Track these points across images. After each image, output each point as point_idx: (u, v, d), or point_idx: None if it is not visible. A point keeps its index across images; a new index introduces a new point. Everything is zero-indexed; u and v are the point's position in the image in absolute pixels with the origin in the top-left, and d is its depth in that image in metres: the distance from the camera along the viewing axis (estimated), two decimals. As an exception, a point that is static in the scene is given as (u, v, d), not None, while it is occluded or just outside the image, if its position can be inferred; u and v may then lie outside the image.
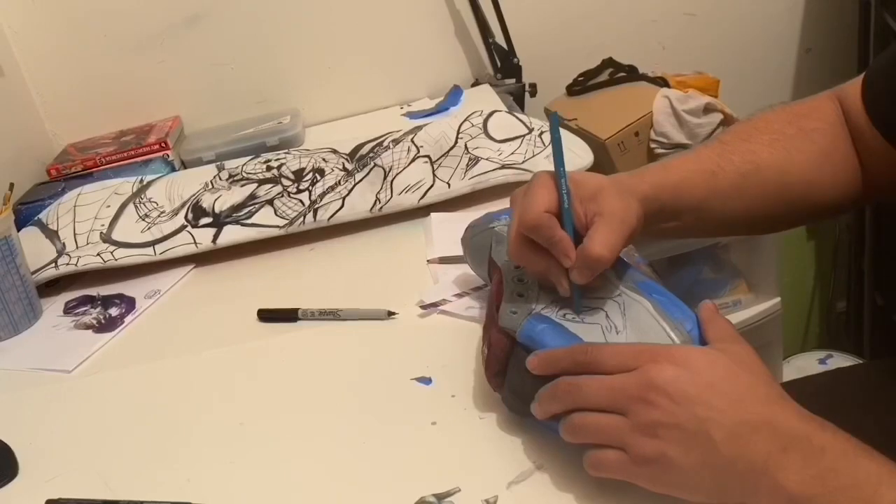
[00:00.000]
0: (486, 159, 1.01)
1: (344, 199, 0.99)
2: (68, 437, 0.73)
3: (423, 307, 0.79)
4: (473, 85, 1.45)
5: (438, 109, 1.35)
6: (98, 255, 0.99)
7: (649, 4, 1.51)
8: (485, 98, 1.34)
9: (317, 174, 1.04)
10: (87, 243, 1.02)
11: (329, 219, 0.98)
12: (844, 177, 0.70)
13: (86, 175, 1.25)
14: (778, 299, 1.46)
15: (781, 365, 1.62)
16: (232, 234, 0.99)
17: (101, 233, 1.03)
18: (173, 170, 1.23)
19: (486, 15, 1.41)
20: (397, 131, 1.09)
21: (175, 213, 1.03)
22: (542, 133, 1.05)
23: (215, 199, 1.03)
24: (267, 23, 1.39)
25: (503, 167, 0.99)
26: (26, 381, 0.83)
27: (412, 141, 1.05)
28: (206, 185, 1.07)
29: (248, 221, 1.00)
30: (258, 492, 0.61)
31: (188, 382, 0.78)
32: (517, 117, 1.09)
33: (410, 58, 1.45)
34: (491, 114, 1.09)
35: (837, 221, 1.75)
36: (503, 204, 0.95)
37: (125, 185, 1.10)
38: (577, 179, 0.60)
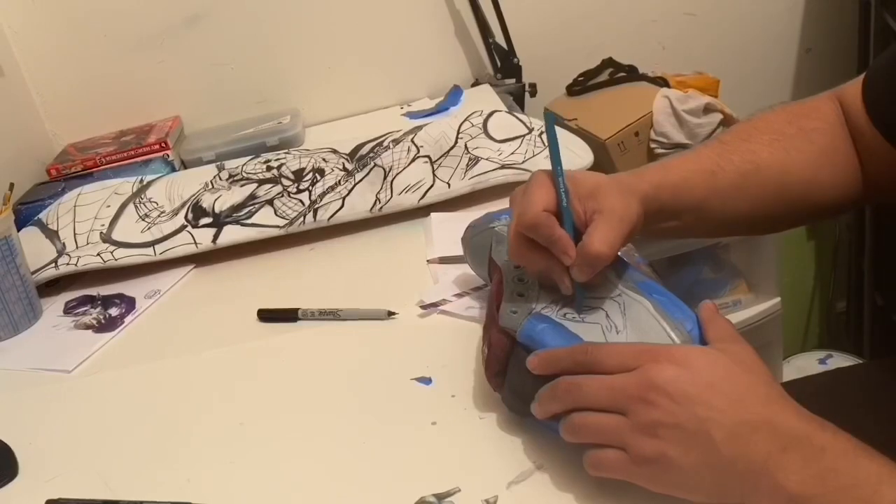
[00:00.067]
0: (486, 159, 1.01)
1: (344, 199, 0.99)
2: (68, 437, 0.73)
3: (423, 307, 0.79)
4: (473, 85, 1.45)
5: (438, 109, 1.35)
6: (98, 255, 0.99)
7: (649, 4, 1.51)
8: (485, 98, 1.34)
9: (317, 174, 1.04)
10: (87, 243, 1.02)
11: (329, 219, 0.98)
12: (844, 177, 0.70)
13: (86, 175, 1.25)
14: (778, 299, 1.46)
15: (781, 365, 1.62)
16: (232, 234, 0.99)
17: (101, 233, 1.03)
18: (173, 170, 1.23)
19: (486, 15, 1.41)
20: (397, 131, 1.10)
21: (175, 213, 1.03)
22: (541, 133, 1.05)
23: (215, 199, 1.03)
24: (267, 23, 1.39)
25: (503, 167, 0.99)
26: (26, 381, 0.83)
27: (412, 141, 1.05)
28: (206, 185, 1.07)
29: (248, 221, 1.00)
30: (258, 492, 0.61)
31: (188, 382, 0.78)
32: (517, 117, 1.09)
33: (410, 58, 1.45)
34: (491, 114, 1.09)
35: (837, 221, 1.75)
36: (503, 204, 0.95)
37: (125, 185, 1.10)
38: (575, 178, 0.60)
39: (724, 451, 0.48)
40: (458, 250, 0.79)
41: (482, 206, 0.96)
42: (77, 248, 1.01)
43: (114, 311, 0.93)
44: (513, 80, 1.41)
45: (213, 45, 1.39)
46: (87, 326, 0.91)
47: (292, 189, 1.02)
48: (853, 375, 0.90)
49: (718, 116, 1.30)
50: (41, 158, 1.33)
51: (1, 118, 1.28)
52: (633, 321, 0.58)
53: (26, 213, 1.11)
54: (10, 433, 0.72)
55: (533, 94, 1.41)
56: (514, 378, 0.59)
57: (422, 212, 0.98)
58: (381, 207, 0.98)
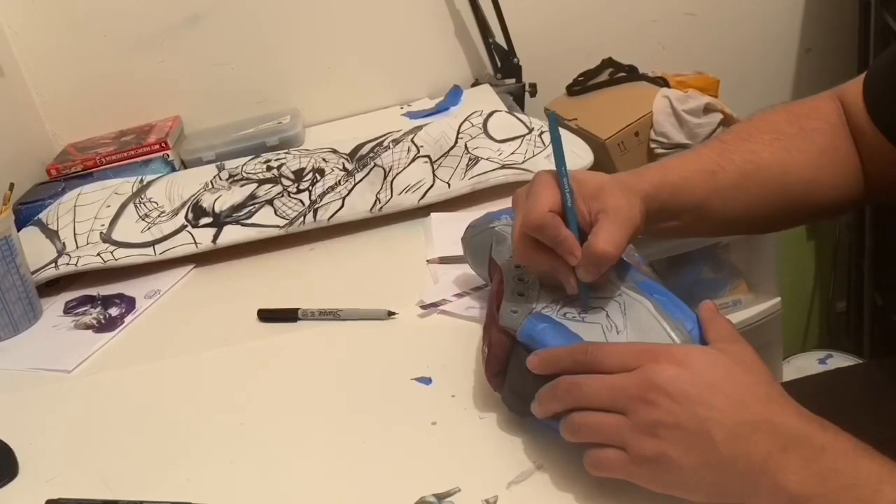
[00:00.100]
0: (486, 159, 1.01)
1: (344, 199, 0.99)
2: (68, 437, 0.73)
3: (423, 307, 0.79)
4: (473, 85, 1.45)
5: (438, 109, 1.35)
6: (98, 255, 0.99)
7: (649, 4, 1.51)
8: (485, 98, 1.34)
9: (317, 174, 1.04)
10: (87, 243, 1.02)
11: (329, 219, 0.98)
12: (845, 176, 0.70)
13: (86, 175, 1.25)
14: (778, 299, 1.46)
15: (781, 365, 1.62)
16: (232, 234, 0.99)
17: (101, 233, 1.03)
18: (173, 170, 1.23)
19: (486, 15, 1.41)
20: (397, 131, 1.10)
21: (175, 213, 1.03)
22: (542, 133, 1.05)
23: (215, 199, 1.03)
24: (267, 23, 1.39)
25: (503, 167, 0.99)
26: (26, 381, 0.83)
27: (412, 141, 1.05)
28: (206, 185, 1.07)
29: (248, 221, 1.00)
30: (258, 492, 0.61)
31: (188, 382, 0.78)
32: (517, 117, 1.09)
33: (410, 58, 1.45)
34: (491, 114, 1.09)
35: (837, 221, 1.75)
36: (503, 204, 0.95)
37: (125, 185, 1.10)
38: (578, 178, 0.60)
39: (724, 451, 0.48)
40: (458, 250, 0.79)
41: (482, 206, 0.96)
42: (77, 247, 1.01)
43: (114, 311, 0.93)
44: (513, 80, 1.41)
45: (213, 45, 1.39)
46: (87, 326, 0.91)
47: (292, 189, 1.02)
48: (853, 375, 0.90)
49: (718, 116, 1.30)
50: (41, 158, 1.33)
51: (1, 118, 1.28)
52: (633, 321, 0.58)
53: (26, 213, 1.11)
54: (10, 433, 0.72)
55: (533, 94, 1.41)
56: (515, 378, 0.59)
57: (422, 212, 0.98)
58: (381, 207, 0.98)
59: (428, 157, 1.03)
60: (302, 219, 0.98)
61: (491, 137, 1.05)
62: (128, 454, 0.69)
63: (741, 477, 0.47)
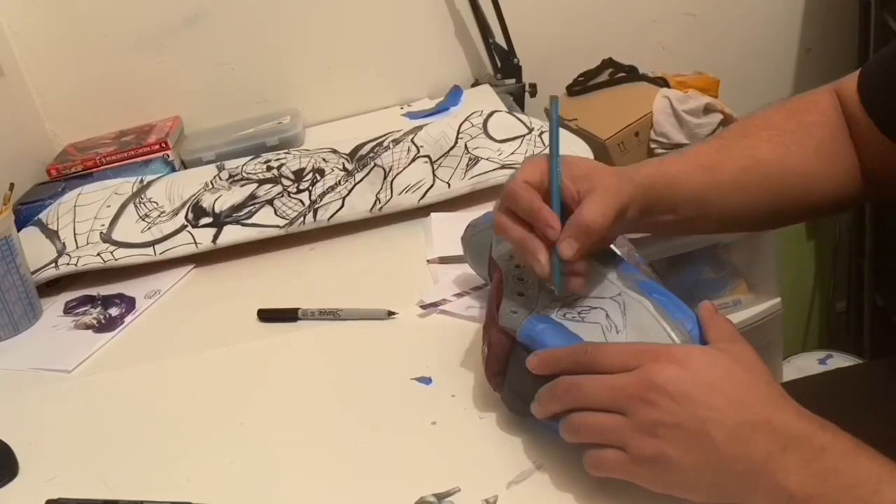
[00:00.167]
0: (486, 159, 1.01)
1: (344, 199, 0.99)
2: (68, 437, 0.73)
3: (423, 307, 0.79)
4: (473, 85, 1.45)
5: (438, 109, 1.35)
6: (98, 255, 0.99)
7: (649, 5, 1.51)
8: (485, 98, 1.34)
9: (317, 174, 1.04)
10: (87, 243, 1.02)
11: (329, 219, 0.98)
12: (843, 171, 0.71)
13: (86, 175, 1.25)
14: (778, 299, 1.46)
15: (781, 365, 1.62)
16: (232, 234, 0.99)
17: (102, 233, 1.03)
18: (173, 170, 1.23)
19: (486, 15, 1.41)
20: (397, 131, 1.10)
21: (175, 213, 1.03)
22: (542, 133, 1.05)
23: (215, 199, 1.03)
24: (267, 23, 1.39)
25: (503, 167, 0.99)
26: (26, 381, 0.83)
27: (412, 141, 1.05)
28: (207, 185, 1.07)
29: (248, 221, 1.00)
30: (258, 492, 0.61)
31: (188, 382, 0.78)
32: (517, 117, 1.09)
33: (410, 58, 1.45)
34: (491, 114, 1.09)
35: (837, 221, 1.75)
36: (503, 204, 0.95)
37: (125, 185, 1.10)
38: (569, 161, 0.61)
39: (723, 452, 0.48)
40: (458, 250, 0.79)
41: (482, 206, 0.96)
42: (77, 248, 1.01)
43: (114, 311, 0.93)
44: (513, 81, 1.41)
45: (214, 45, 1.39)
46: (87, 326, 0.91)
47: (292, 189, 1.02)
48: (853, 375, 0.90)
49: (718, 116, 1.30)
50: (41, 158, 1.33)
51: (1, 118, 1.28)
52: (633, 321, 0.57)
53: (26, 213, 1.11)
54: (10, 433, 0.72)
55: (533, 94, 1.41)
56: (514, 378, 0.59)
57: (422, 212, 0.98)
58: (381, 207, 0.98)
59: (428, 157, 1.03)
60: (302, 219, 0.98)
61: (491, 137, 1.05)
62: (128, 454, 0.69)
63: (741, 477, 0.47)
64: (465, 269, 0.81)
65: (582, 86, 1.41)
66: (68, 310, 0.95)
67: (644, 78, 1.37)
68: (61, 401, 0.79)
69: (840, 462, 0.46)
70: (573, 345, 0.56)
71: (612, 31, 1.51)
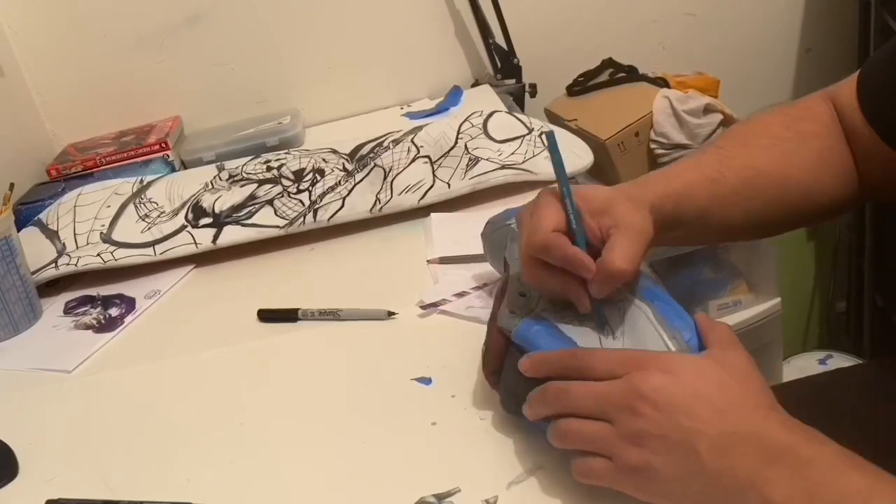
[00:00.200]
0: (486, 159, 1.01)
1: (344, 199, 0.99)
2: (68, 437, 0.73)
3: (423, 307, 0.79)
4: (473, 85, 1.45)
5: (438, 110, 1.35)
6: (98, 255, 0.99)
7: (649, 5, 1.51)
8: (485, 98, 1.34)
9: (317, 174, 1.04)
10: (87, 243, 1.02)
11: (329, 219, 0.98)
12: (842, 178, 0.70)
13: (86, 175, 1.25)
14: (778, 299, 1.46)
15: (781, 365, 1.62)
16: (232, 235, 0.99)
17: (101, 233, 1.03)
18: (173, 170, 1.23)
19: (486, 15, 1.41)
20: (397, 131, 1.09)
21: (175, 213, 1.03)
22: (541, 133, 1.05)
23: (215, 200, 1.03)
24: (267, 23, 1.39)
25: (503, 167, 0.99)
26: (26, 382, 0.83)
27: (412, 141, 1.05)
28: (207, 185, 1.07)
29: (248, 222, 1.00)
30: (258, 492, 0.61)
31: (188, 382, 0.78)
32: (517, 118, 1.09)
33: (410, 58, 1.45)
34: (491, 114, 1.09)
35: (837, 222, 1.75)
36: (503, 204, 0.95)
37: (125, 185, 1.10)
38: (583, 194, 0.59)
39: (708, 463, 0.47)
40: (458, 250, 0.79)
41: (482, 207, 0.96)
42: (77, 248, 1.01)
43: (114, 312, 0.93)
44: (513, 81, 1.41)
45: (214, 45, 1.39)
46: (87, 326, 0.91)
47: (292, 189, 1.02)
48: (853, 375, 0.90)
49: (718, 117, 1.30)
50: (41, 158, 1.33)
51: (1, 118, 1.28)
52: (631, 327, 0.57)
53: (26, 214, 1.11)
54: (10, 433, 0.72)
55: (533, 94, 1.41)
56: (509, 378, 0.59)
57: (422, 212, 0.98)
58: (381, 208, 0.98)
59: (428, 157, 1.03)
60: (302, 219, 0.98)
61: (491, 138, 1.05)
62: (128, 454, 0.69)
63: (727, 489, 0.47)
64: (465, 269, 0.81)
65: (582, 86, 1.41)
66: (68, 310, 0.95)
67: (644, 78, 1.37)
68: (61, 401, 0.79)
69: (828, 475, 0.45)
70: (566, 349, 0.55)
71: (612, 32, 1.51)
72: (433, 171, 1.01)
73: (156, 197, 1.07)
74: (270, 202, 1.01)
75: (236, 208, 1.01)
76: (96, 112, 1.40)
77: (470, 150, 1.03)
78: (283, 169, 1.06)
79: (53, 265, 0.99)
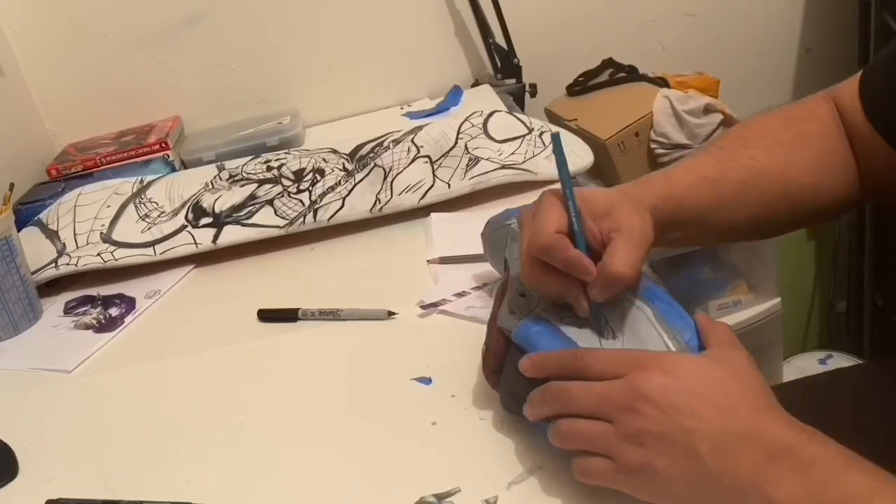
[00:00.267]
0: (487, 159, 1.01)
1: (344, 199, 0.99)
2: (68, 437, 0.73)
3: (423, 307, 0.79)
4: (473, 85, 1.45)
5: (438, 110, 1.35)
6: (98, 255, 0.99)
7: (649, 5, 1.51)
8: (485, 98, 1.34)
9: (317, 174, 1.04)
10: (88, 243, 1.02)
11: (329, 219, 0.98)
12: (843, 179, 0.70)
13: (86, 175, 1.25)
14: (778, 299, 1.46)
15: (781, 365, 1.62)
16: (232, 235, 0.99)
17: (102, 233, 1.03)
18: (173, 170, 1.23)
19: (486, 15, 1.41)
20: (397, 131, 1.09)
21: (175, 213, 1.03)
22: (542, 133, 1.05)
23: (215, 200, 1.03)
24: (267, 23, 1.39)
25: (503, 167, 0.99)
26: (26, 381, 0.83)
27: (412, 141, 1.05)
28: (207, 185, 1.07)
29: (249, 221, 1.00)
30: (258, 492, 0.61)
31: (188, 382, 0.78)
32: (517, 117, 1.09)
33: (410, 58, 1.45)
34: (491, 114, 1.09)
35: (837, 221, 1.75)
36: (503, 204, 0.95)
37: (125, 185, 1.10)
38: (586, 196, 0.59)
39: (709, 463, 0.47)
40: (458, 250, 0.79)
41: (482, 207, 0.96)
42: (77, 248, 1.01)
43: (114, 311, 0.93)
44: (513, 81, 1.41)
45: (214, 45, 1.39)
46: (88, 326, 0.91)
47: (292, 189, 1.02)
48: (853, 375, 0.90)
49: (718, 117, 1.30)
50: (41, 158, 1.33)
51: (1, 118, 1.28)
52: (631, 327, 0.57)
53: (26, 214, 1.11)
54: (10, 433, 0.72)
55: (533, 94, 1.41)
56: (509, 378, 0.59)
57: (422, 212, 0.98)
58: (381, 208, 0.98)
59: (428, 157, 1.03)
60: (302, 219, 0.98)
61: (491, 138, 1.05)
62: (128, 454, 0.69)
63: (728, 489, 0.47)
64: (465, 268, 0.81)
65: (582, 86, 1.41)
66: (68, 310, 0.95)
67: (644, 78, 1.37)
68: (61, 401, 0.79)
69: (829, 476, 0.45)
70: (563, 349, 0.55)
71: (612, 32, 1.51)
72: (433, 171, 1.01)
73: (156, 197, 1.07)
74: (270, 202, 1.01)
75: (236, 208, 1.01)
76: (96, 112, 1.40)
77: (470, 149, 1.03)
78: (284, 169, 1.06)
79: (53, 265, 0.99)
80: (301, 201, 1.00)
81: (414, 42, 1.44)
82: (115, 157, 1.26)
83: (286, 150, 1.14)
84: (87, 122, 1.39)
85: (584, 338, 0.57)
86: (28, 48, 1.35)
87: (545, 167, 0.98)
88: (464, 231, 0.86)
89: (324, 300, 0.83)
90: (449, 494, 0.55)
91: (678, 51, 1.54)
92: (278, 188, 1.03)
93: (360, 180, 1.01)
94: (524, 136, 1.05)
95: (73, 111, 1.40)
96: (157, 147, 1.26)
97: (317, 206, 0.99)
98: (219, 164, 1.12)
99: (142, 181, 1.10)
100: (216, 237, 0.99)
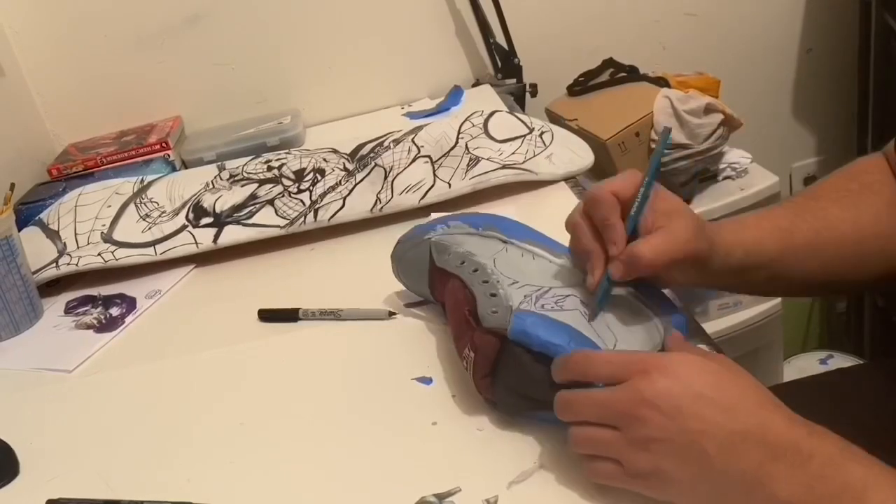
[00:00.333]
0: (487, 159, 1.01)
1: (344, 199, 0.99)
2: (68, 437, 0.73)
3: (407, 305, 0.79)
4: (474, 85, 1.45)
5: (439, 109, 1.35)
6: (99, 254, 0.99)
7: (650, 5, 1.51)
8: (485, 98, 1.34)
9: (317, 174, 1.04)
10: (88, 243, 1.02)
11: (330, 219, 0.98)
12: None
13: (87, 175, 1.25)
14: (778, 300, 1.46)
15: (782, 365, 1.62)
16: (233, 234, 0.99)
17: (102, 233, 1.03)
18: (174, 170, 1.23)
19: (486, 15, 1.41)
20: (398, 131, 1.09)
21: (176, 213, 1.03)
22: (542, 133, 1.05)
23: (216, 199, 1.03)
24: (267, 23, 1.39)
25: (504, 167, 0.99)
26: (27, 381, 0.83)
27: (413, 141, 1.05)
28: (207, 185, 1.07)
29: (249, 221, 1.00)
30: (258, 492, 0.61)
31: (188, 382, 0.78)
32: (518, 117, 1.09)
33: (411, 58, 1.45)
34: (491, 114, 1.09)
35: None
36: (503, 204, 0.95)
37: (126, 185, 1.10)
38: (661, 194, 0.61)
39: (717, 463, 0.48)
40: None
41: (482, 207, 0.96)
42: (78, 247, 1.01)
43: (114, 311, 0.93)
44: (513, 81, 1.41)
45: (214, 45, 1.39)
46: (88, 326, 0.91)
47: (293, 189, 1.02)
48: (853, 376, 0.90)
49: (719, 117, 1.30)
50: (42, 158, 1.33)
51: (1, 118, 1.28)
52: (613, 307, 0.59)
53: (27, 213, 1.11)
54: (11, 433, 0.72)
55: (534, 94, 1.41)
56: (509, 376, 0.59)
57: (422, 212, 0.98)
58: (381, 207, 0.98)
59: (428, 157, 1.03)
60: (302, 219, 0.98)
61: (491, 137, 1.05)
62: (128, 454, 0.69)
63: (736, 487, 0.48)
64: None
65: (583, 86, 1.41)
66: (69, 310, 0.95)
67: (645, 78, 1.37)
68: (62, 401, 0.79)
69: (826, 469, 0.46)
70: (566, 333, 0.56)
71: (612, 32, 1.51)
72: (434, 171, 1.01)
73: (156, 197, 1.07)
74: (271, 202, 1.01)
75: (237, 208, 1.01)
76: (97, 112, 1.40)
77: (470, 149, 1.03)
78: (284, 169, 1.06)
79: (54, 265, 0.99)
80: (301, 201, 1.00)
81: (414, 42, 1.44)
82: (115, 156, 1.26)
83: (287, 150, 1.14)
84: (88, 122, 1.39)
85: (570, 321, 0.58)
86: (28, 48, 1.35)
87: (546, 167, 0.98)
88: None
89: (324, 300, 0.83)
90: (449, 494, 0.55)
91: (679, 51, 1.54)
92: (279, 188, 1.03)
93: (361, 180, 1.01)
94: (525, 135, 1.05)
95: (74, 111, 1.40)
96: (158, 147, 1.26)
97: (317, 205, 0.99)
98: (219, 163, 1.12)
99: (142, 181, 1.10)
100: (217, 237, 0.99)
